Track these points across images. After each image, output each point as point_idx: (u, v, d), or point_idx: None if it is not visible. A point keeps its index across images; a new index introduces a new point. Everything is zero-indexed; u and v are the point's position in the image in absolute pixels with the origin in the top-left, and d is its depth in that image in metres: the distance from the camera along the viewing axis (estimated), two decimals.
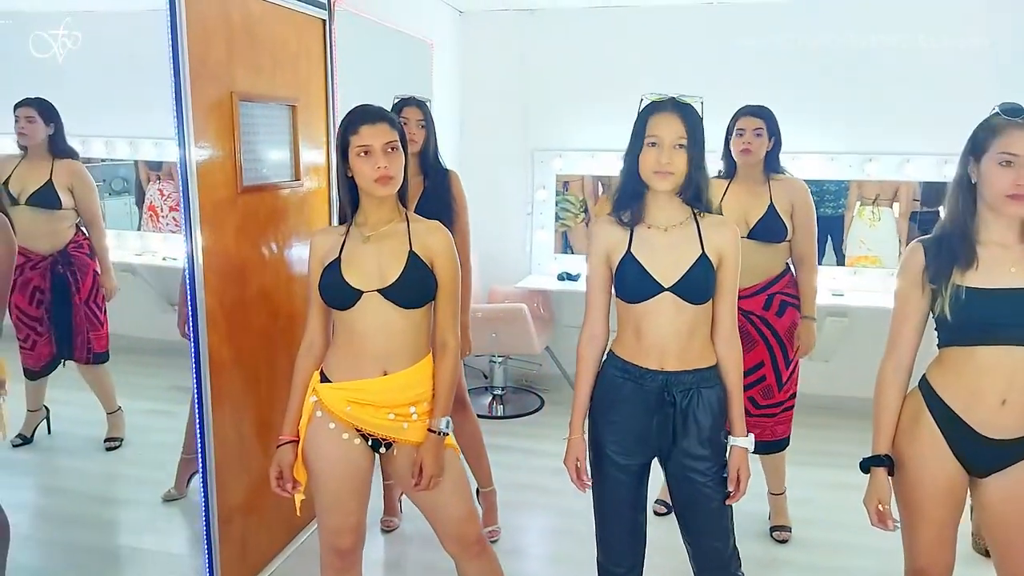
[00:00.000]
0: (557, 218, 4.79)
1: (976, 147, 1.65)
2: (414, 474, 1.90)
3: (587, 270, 1.91)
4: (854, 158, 4.29)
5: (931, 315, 1.73)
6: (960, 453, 1.70)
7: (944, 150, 4.09)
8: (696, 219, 1.81)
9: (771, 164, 2.80)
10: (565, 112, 4.58)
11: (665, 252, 1.79)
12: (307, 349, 1.96)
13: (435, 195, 2.68)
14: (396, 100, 2.73)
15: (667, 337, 1.80)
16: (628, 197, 1.82)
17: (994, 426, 1.65)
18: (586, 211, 4.85)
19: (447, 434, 1.93)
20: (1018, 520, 1.69)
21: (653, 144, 1.72)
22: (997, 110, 1.64)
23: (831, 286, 4.24)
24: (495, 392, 4.49)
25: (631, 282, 1.81)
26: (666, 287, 1.78)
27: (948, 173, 4.18)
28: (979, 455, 1.68)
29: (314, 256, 1.92)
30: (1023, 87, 3.69)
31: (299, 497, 1.96)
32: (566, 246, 4.88)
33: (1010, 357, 1.63)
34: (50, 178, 2.78)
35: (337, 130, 1.89)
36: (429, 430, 1.90)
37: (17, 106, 2.72)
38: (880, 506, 1.76)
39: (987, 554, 2.47)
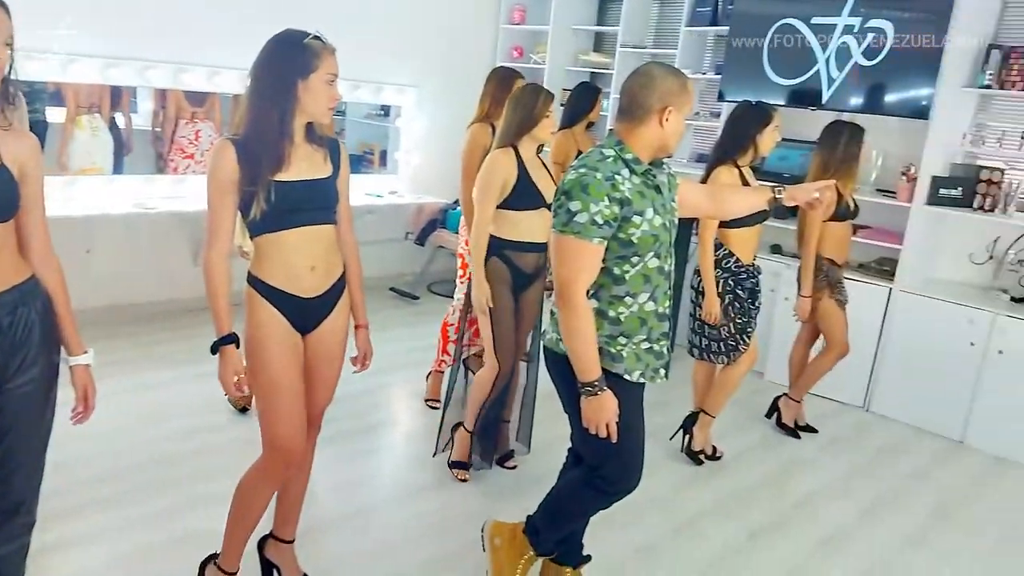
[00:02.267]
0: None
1: (305, 68, 1.90)
2: None
3: None
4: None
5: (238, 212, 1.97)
6: (295, 321, 2.05)
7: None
8: None
9: None
10: None
11: None
12: None
13: None
14: None
15: None
16: None
17: (309, 288, 2.03)
18: None
19: None
20: (326, 354, 2.12)
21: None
22: (317, 35, 1.92)
23: None
24: None
25: None
26: None
27: (152, 78, 4.36)
28: (305, 315, 2.07)
29: None
30: None
31: None
32: None
33: (309, 235, 2.01)
34: None
35: None
36: None
37: None
38: (236, 376, 1.98)
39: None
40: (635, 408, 2.08)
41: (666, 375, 2.12)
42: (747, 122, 3.16)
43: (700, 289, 3.24)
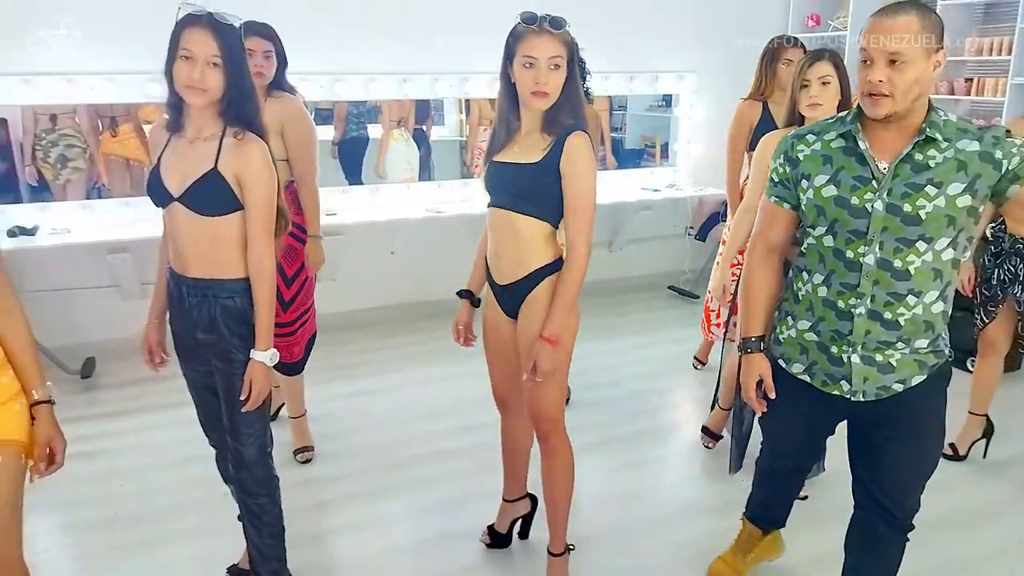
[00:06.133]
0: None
1: (510, 52, 1.95)
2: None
3: None
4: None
5: None
6: (502, 306, 2.16)
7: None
8: (224, 136, 1.86)
9: (277, 82, 2.80)
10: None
11: (183, 163, 1.88)
12: None
13: None
14: None
15: (185, 245, 1.91)
16: (171, 107, 1.88)
17: (498, 274, 2.13)
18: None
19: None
20: (526, 340, 2.10)
21: (187, 57, 1.77)
22: (519, 19, 1.92)
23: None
24: None
25: (150, 188, 1.92)
26: (175, 197, 1.89)
27: (439, 90, 4.62)
28: (505, 301, 2.15)
29: None
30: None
31: None
32: (43, 191, 4.02)
33: (494, 217, 2.09)
34: None
35: None
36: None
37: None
38: (460, 326, 2.34)
39: None
40: (792, 405, 1.90)
41: (854, 392, 1.78)
42: None
43: None
